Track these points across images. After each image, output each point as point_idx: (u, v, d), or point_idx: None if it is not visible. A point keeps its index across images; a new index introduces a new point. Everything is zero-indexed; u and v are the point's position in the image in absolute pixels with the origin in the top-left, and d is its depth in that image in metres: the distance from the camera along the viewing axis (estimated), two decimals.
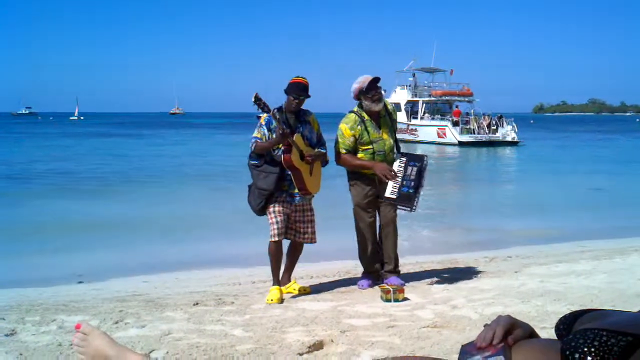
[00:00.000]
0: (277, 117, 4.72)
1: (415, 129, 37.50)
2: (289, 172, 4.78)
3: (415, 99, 39.67)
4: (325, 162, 5.13)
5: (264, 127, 4.80)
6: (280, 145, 4.76)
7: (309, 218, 5.00)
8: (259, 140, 4.79)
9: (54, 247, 8.21)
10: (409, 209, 4.99)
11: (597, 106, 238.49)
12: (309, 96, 4.86)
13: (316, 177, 4.98)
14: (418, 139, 36.63)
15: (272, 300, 4.67)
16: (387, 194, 5.01)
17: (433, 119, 38.03)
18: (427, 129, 36.88)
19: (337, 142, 5.18)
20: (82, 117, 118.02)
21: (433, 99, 39.50)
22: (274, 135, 4.76)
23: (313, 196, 5.05)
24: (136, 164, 22.95)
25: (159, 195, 14.30)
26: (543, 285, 4.86)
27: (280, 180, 4.79)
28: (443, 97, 39.61)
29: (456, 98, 39.68)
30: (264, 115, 4.79)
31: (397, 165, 5.12)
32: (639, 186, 16.25)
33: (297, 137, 4.81)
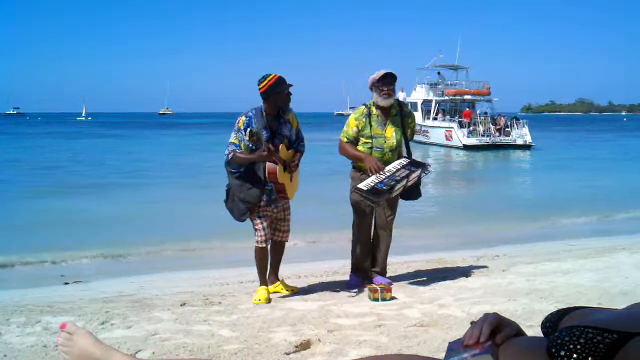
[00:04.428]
0: (261, 133, 4.57)
1: (427, 130, 35.27)
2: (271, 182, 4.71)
3: (429, 97, 37.19)
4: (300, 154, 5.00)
5: (242, 132, 4.62)
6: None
7: (288, 217, 4.98)
8: (237, 150, 4.61)
9: (39, 247, 8.12)
10: (375, 203, 4.85)
11: (586, 106, 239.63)
12: (291, 85, 4.79)
13: (295, 181, 4.94)
14: (429, 140, 34.55)
15: (259, 300, 4.64)
16: (361, 185, 4.83)
17: (444, 120, 35.15)
18: (437, 131, 34.43)
19: (343, 130, 5.18)
20: (89, 118, 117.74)
21: (446, 98, 36.94)
22: (254, 137, 4.63)
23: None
24: (124, 163, 22.83)
25: (145, 194, 14.22)
26: (530, 284, 4.88)
27: (264, 187, 4.70)
28: (457, 97, 36.86)
29: (472, 97, 36.96)
30: (243, 118, 4.64)
31: (394, 165, 4.98)
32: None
33: (281, 147, 4.69)
